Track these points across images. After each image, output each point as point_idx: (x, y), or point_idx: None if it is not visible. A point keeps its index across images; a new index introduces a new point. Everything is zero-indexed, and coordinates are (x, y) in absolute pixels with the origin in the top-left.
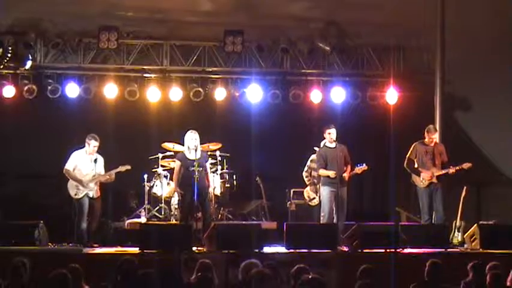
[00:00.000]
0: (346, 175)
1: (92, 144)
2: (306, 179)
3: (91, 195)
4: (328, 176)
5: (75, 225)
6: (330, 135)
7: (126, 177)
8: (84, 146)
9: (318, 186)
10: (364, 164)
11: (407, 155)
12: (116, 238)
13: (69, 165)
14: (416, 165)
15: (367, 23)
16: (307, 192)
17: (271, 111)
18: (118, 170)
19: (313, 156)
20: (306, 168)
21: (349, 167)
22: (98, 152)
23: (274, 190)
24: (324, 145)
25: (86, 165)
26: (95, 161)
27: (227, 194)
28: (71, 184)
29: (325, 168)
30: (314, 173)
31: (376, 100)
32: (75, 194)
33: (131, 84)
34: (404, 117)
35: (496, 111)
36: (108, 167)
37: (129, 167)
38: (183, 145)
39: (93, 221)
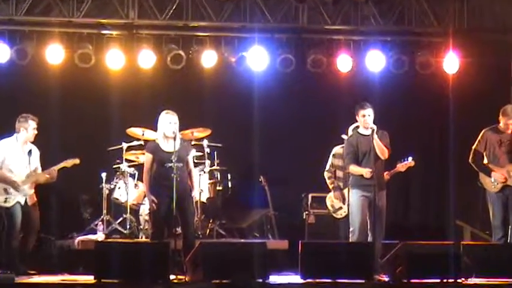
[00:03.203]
0: (386, 175)
1: (31, 127)
2: (328, 181)
3: (24, 202)
4: (361, 176)
5: (3, 244)
6: (365, 118)
7: (75, 177)
8: (13, 133)
9: (345, 191)
10: (410, 159)
11: (474, 146)
12: (62, 262)
13: None
14: (486, 161)
15: None
16: (331, 199)
17: (281, 84)
18: (62, 165)
19: (338, 150)
20: (327, 167)
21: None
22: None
23: (285, 195)
24: (356, 131)
25: (17, 160)
26: (29, 152)
27: (218, 201)
28: None
29: (357, 163)
30: (339, 173)
31: (429, 68)
32: (5, 201)
33: (84, 45)
34: (469, 93)
35: None
36: (48, 163)
37: (77, 161)
38: (157, 131)
39: (29, 238)
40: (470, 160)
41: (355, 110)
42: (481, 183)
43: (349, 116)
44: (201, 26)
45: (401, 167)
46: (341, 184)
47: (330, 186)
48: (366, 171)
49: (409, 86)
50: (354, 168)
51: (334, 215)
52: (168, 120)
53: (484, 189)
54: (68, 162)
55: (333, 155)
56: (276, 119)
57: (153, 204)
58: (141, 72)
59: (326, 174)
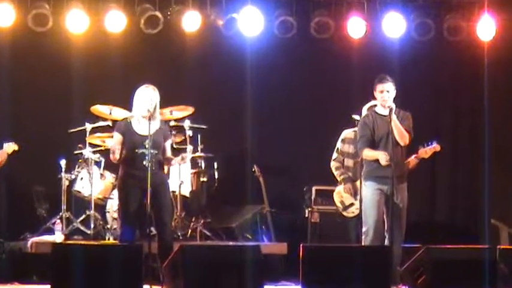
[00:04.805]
0: (410, 162)
1: None
2: (335, 172)
3: None
4: (377, 165)
5: None
6: (383, 94)
7: (28, 164)
8: None
9: (357, 183)
10: (435, 143)
11: None
12: (11, 269)
13: None
14: None
15: None
16: (340, 194)
17: (279, 53)
18: (3, 151)
19: (348, 133)
20: (335, 155)
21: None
22: None
23: (283, 189)
24: (373, 110)
25: None
26: None
27: (203, 195)
28: None
29: (374, 147)
30: (349, 162)
31: (460, 34)
32: None
33: (39, 5)
34: (508, 63)
35: None
36: None
37: (15, 147)
38: (131, 110)
39: None
40: None
41: (373, 85)
42: None
43: (362, 92)
44: None
45: (424, 152)
46: (351, 175)
47: (339, 178)
48: (382, 156)
49: (435, 55)
50: (368, 153)
51: (344, 213)
52: (146, 96)
53: None
54: (7, 148)
55: (342, 139)
56: (273, 96)
57: (116, 149)
58: (108, 38)
59: (333, 164)
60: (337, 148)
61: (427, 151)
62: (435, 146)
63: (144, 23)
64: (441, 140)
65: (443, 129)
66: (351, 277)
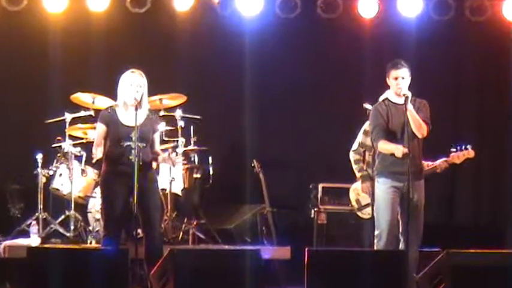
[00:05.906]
0: (438, 167)
1: None
2: (354, 166)
3: None
4: (392, 159)
5: None
6: (398, 81)
7: (0, 160)
8: None
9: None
10: (469, 147)
11: None
12: None
13: None
14: None
15: None
16: (357, 192)
17: (281, 35)
18: None
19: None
20: (355, 146)
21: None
22: None
23: (286, 186)
24: (386, 98)
25: None
26: None
27: (196, 193)
28: None
29: (388, 139)
30: (370, 157)
31: (484, 14)
32: None
33: None
34: None
35: None
36: None
37: None
38: (116, 99)
39: None
40: None
41: (386, 71)
42: None
43: (374, 79)
44: None
45: (456, 157)
46: (370, 172)
47: (358, 174)
48: (399, 150)
49: (455, 37)
50: (384, 145)
51: (359, 213)
52: (132, 82)
53: None
54: None
55: (365, 131)
56: (274, 83)
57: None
58: (91, 18)
59: (353, 156)
60: (359, 140)
61: (459, 156)
62: (469, 151)
63: (130, 1)
64: (462, 132)
65: (464, 121)
66: (361, 285)
